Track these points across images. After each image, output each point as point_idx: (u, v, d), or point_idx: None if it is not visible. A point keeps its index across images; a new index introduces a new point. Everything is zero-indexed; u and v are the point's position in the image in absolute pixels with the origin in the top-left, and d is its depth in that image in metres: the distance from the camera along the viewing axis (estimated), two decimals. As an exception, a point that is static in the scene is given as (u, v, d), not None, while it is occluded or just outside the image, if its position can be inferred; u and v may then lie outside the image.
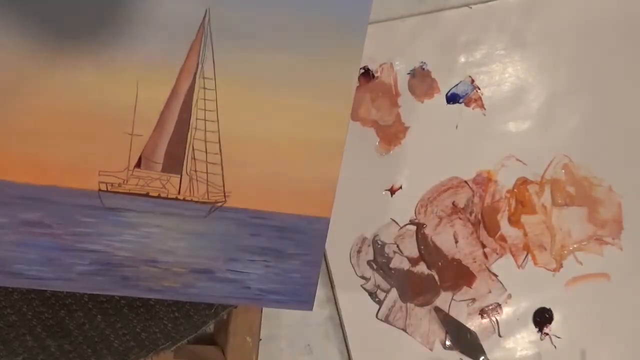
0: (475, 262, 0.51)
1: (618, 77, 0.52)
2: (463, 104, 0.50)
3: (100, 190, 0.38)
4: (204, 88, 0.38)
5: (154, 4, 0.36)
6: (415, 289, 0.50)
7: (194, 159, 0.39)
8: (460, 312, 0.51)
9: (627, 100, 0.52)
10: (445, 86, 0.50)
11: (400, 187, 0.50)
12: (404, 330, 0.50)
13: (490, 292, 0.51)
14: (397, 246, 0.50)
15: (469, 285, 0.51)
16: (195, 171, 0.39)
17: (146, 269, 0.39)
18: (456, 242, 0.51)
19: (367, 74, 0.49)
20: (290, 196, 0.40)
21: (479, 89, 0.50)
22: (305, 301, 0.42)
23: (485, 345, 0.51)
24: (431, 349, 0.51)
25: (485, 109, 0.51)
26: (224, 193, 0.39)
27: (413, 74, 0.50)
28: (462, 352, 0.51)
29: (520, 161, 0.51)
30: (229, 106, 0.38)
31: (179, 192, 0.39)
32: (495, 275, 0.51)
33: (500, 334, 0.51)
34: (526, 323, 0.52)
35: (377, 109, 0.49)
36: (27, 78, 0.36)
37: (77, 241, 0.38)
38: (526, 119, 0.51)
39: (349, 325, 0.50)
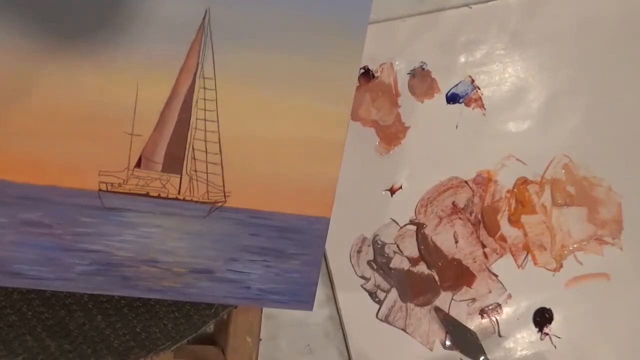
0: (475, 262, 0.51)
1: (618, 77, 0.52)
2: (463, 104, 0.50)
3: (100, 190, 0.38)
4: (204, 88, 0.38)
5: (154, 4, 0.36)
6: (415, 289, 0.50)
7: (194, 159, 0.39)
8: (460, 312, 0.51)
9: (627, 100, 0.52)
10: (445, 86, 0.50)
11: (400, 187, 0.50)
12: (404, 330, 0.50)
13: (490, 292, 0.51)
14: (397, 246, 0.50)
15: (469, 285, 0.51)
16: (195, 171, 0.39)
17: (146, 269, 0.39)
18: (456, 242, 0.51)
19: (367, 74, 0.49)
20: (290, 196, 0.40)
21: (479, 89, 0.50)
22: (305, 301, 0.42)
23: (485, 345, 0.51)
24: (431, 349, 0.51)
25: (485, 109, 0.51)
26: (224, 193, 0.39)
27: (413, 74, 0.50)
28: (462, 352, 0.51)
29: (520, 161, 0.51)
30: (229, 106, 0.38)
31: (179, 192, 0.39)
32: (495, 275, 0.51)
33: (500, 334, 0.51)
34: (526, 323, 0.52)
35: (377, 109, 0.49)
36: (27, 78, 0.36)
37: (77, 241, 0.38)
38: (526, 119, 0.51)
39: (349, 325, 0.50)
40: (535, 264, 0.52)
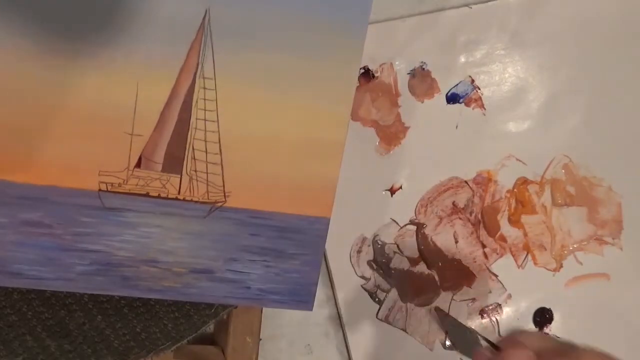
0: (475, 262, 0.51)
1: (618, 77, 0.52)
2: (463, 104, 0.50)
3: (100, 190, 0.38)
4: (204, 88, 0.38)
5: (154, 4, 0.36)
6: (415, 289, 0.50)
7: (194, 159, 0.39)
8: (460, 312, 0.51)
9: (627, 100, 0.52)
10: (445, 86, 0.50)
11: (400, 187, 0.50)
12: (404, 330, 0.50)
13: (490, 292, 0.51)
14: (397, 246, 0.50)
15: (469, 285, 0.51)
16: (195, 171, 0.39)
17: (146, 269, 0.39)
18: (456, 242, 0.51)
19: (367, 74, 0.49)
20: (290, 196, 0.40)
21: (479, 89, 0.50)
22: (305, 301, 0.42)
23: (485, 345, 0.51)
24: (431, 349, 0.51)
25: (485, 109, 0.51)
26: (224, 193, 0.39)
27: (413, 74, 0.50)
28: (462, 352, 0.51)
29: (520, 161, 0.51)
30: (229, 106, 0.38)
31: (179, 192, 0.39)
32: (495, 275, 0.51)
33: (500, 334, 0.51)
34: (526, 323, 0.52)
35: (377, 109, 0.49)
36: (28, 78, 0.36)
37: (77, 241, 0.38)
38: (526, 119, 0.51)
39: (349, 325, 0.50)
40: (535, 264, 0.52)
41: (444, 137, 0.50)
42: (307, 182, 0.40)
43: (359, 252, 0.50)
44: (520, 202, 0.51)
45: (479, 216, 0.51)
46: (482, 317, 0.51)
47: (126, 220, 0.39)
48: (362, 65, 0.49)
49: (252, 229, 0.40)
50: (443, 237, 0.51)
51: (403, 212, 0.50)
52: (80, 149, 0.37)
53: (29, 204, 0.37)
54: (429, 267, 0.51)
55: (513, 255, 0.52)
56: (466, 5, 0.50)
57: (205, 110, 0.38)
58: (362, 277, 0.50)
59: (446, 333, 0.51)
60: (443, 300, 0.51)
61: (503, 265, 0.51)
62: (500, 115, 0.51)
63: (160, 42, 0.37)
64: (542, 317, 0.52)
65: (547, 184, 0.52)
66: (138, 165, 0.38)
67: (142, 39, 0.36)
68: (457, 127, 0.50)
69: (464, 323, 0.51)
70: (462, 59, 0.50)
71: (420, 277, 0.50)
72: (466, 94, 0.50)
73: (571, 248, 0.52)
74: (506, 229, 0.51)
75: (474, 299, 0.51)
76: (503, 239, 0.51)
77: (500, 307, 0.52)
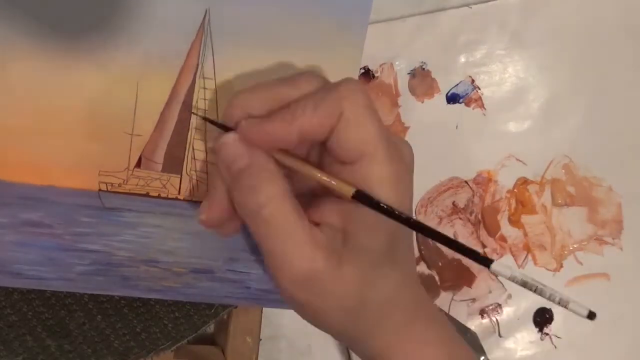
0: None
1: (618, 77, 0.52)
2: (463, 104, 0.50)
3: (100, 190, 0.38)
4: (204, 88, 0.38)
5: (154, 4, 0.36)
6: (415, 289, 0.50)
7: (194, 159, 0.39)
8: (460, 312, 0.51)
9: (627, 101, 0.52)
10: (445, 86, 0.50)
11: (400, 187, 0.50)
12: (404, 330, 0.50)
13: (490, 292, 0.51)
14: (397, 246, 0.50)
15: (469, 285, 0.51)
16: (196, 171, 0.39)
17: (146, 269, 0.39)
18: (456, 242, 0.51)
19: (367, 74, 0.49)
20: (290, 196, 0.40)
21: (479, 89, 0.50)
22: (305, 301, 0.42)
23: (485, 345, 0.51)
24: (431, 349, 0.51)
25: (485, 109, 0.51)
26: (224, 193, 0.39)
27: (413, 74, 0.50)
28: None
29: (520, 161, 0.51)
30: (229, 106, 0.38)
31: (179, 192, 0.39)
32: (496, 275, 0.51)
33: (500, 334, 0.51)
34: (526, 323, 0.52)
35: (377, 109, 0.49)
36: (27, 78, 0.36)
37: (77, 241, 0.38)
38: (526, 119, 0.51)
39: (349, 325, 0.50)
40: (536, 264, 0.52)
41: (444, 137, 0.50)
42: (307, 182, 0.40)
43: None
44: (521, 202, 0.51)
45: (479, 216, 0.51)
46: (482, 317, 0.51)
47: (126, 220, 0.39)
48: (362, 65, 0.49)
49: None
50: (443, 237, 0.51)
51: (403, 212, 0.50)
52: (80, 149, 0.37)
53: (29, 204, 0.37)
54: (429, 267, 0.51)
55: (513, 255, 0.52)
56: (466, 5, 0.50)
57: (205, 110, 0.38)
58: (362, 277, 0.50)
59: (446, 333, 0.51)
60: (443, 300, 0.51)
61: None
62: (500, 115, 0.51)
63: (160, 42, 0.37)
64: (542, 317, 0.52)
65: (547, 184, 0.52)
66: (138, 165, 0.38)
67: (142, 39, 0.37)
68: (457, 127, 0.50)
69: (464, 323, 0.51)
70: (462, 59, 0.50)
71: (420, 277, 0.50)
72: (466, 94, 0.50)
73: (571, 248, 0.52)
74: (506, 229, 0.51)
75: (474, 299, 0.51)
76: (503, 239, 0.51)
77: (500, 307, 0.52)
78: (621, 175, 0.52)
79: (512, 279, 0.29)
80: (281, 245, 0.31)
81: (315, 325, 0.34)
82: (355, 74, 0.40)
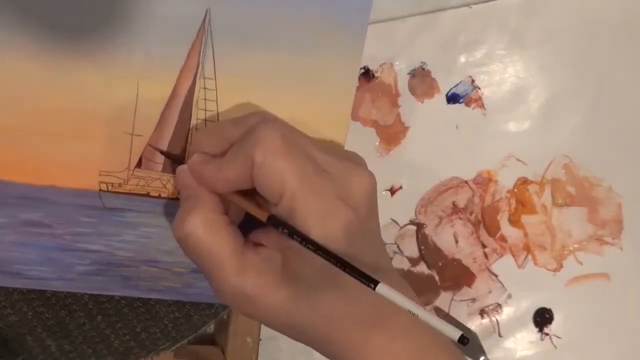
0: (475, 262, 0.51)
1: (618, 77, 0.52)
2: (463, 104, 0.50)
3: (100, 190, 0.38)
4: (205, 88, 0.38)
5: (154, 4, 0.36)
6: (415, 289, 0.50)
7: (194, 159, 0.39)
8: (460, 312, 0.51)
9: (627, 100, 0.52)
10: (445, 86, 0.50)
11: (400, 187, 0.50)
12: (404, 330, 0.50)
13: (490, 292, 0.51)
14: (397, 246, 0.50)
15: (469, 285, 0.51)
16: (196, 171, 0.39)
17: (146, 269, 0.39)
18: (456, 242, 0.51)
19: (367, 74, 0.49)
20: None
21: (479, 89, 0.50)
22: (305, 301, 0.42)
23: (485, 345, 0.51)
24: (431, 349, 0.51)
25: (485, 109, 0.51)
26: (224, 193, 0.39)
27: (413, 74, 0.50)
28: (462, 352, 0.51)
29: (520, 161, 0.51)
30: (229, 106, 0.38)
31: (179, 192, 0.39)
32: (495, 275, 0.51)
33: (500, 334, 0.51)
34: (526, 323, 0.52)
35: (377, 109, 0.49)
36: (28, 78, 0.36)
37: (77, 241, 0.38)
38: (526, 119, 0.51)
39: (349, 325, 0.50)
40: (536, 264, 0.52)
41: (444, 137, 0.50)
42: (307, 182, 0.40)
43: (359, 252, 0.50)
44: (521, 202, 0.51)
45: (479, 216, 0.51)
46: (482, 317, 0.51)
47: (126, 220, 0.39)
48: (362, 65, 0.49)
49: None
50: (443, 237, 0.51)
51: (403, 213, 0.50)
52: (80, 149, 0.37)
53: (29, 204, 0.37)
54: (429, 267, 0.51)
55: (513, 255, 0.52)
56: (466, 5, 0.50)
57: (205, 110, 0.38)
58: (362, 277, 0.50)
59: (446, 333, 0.51)
60: (443, 300, 0.51)
61: (503, 265, 0.51)
62: (500, 115, 0.51)
63: (160, 42, 0.37)
64: (542, 317, 0.52)
65: (547, 184, 0.52)
66: (138, 165, 0.38)
67: (143, 39, 0.37)
68: (457, 127, 0.50)
69: (464, 323, 0.51)
70: (462, 59, 0.50)
71: (420, 277, 0.50)
72: (466, 94, 0.50)
73: (571, 248, 0.52)
74: (506, 229, 0.51)
75: (474, 299, 0.51)
76: (503, 239, 0.51)
77: (500, 307, 0.52)
78: (621, 175, 0.52)
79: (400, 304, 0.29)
80: (209, 270, 0.34)
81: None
82: (355, 74, 0.40)
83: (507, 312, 0.52)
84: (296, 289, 0.33)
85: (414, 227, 0.50)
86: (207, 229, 0.34)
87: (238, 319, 0.47)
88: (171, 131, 0.38)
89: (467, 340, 0.27)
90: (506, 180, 0.51)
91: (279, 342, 0.50)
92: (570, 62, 0.51)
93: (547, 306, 0.52)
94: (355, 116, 0.49)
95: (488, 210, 0.51)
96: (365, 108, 0.49)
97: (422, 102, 0.50)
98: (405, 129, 0.50)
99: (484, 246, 0.51)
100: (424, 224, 0.50)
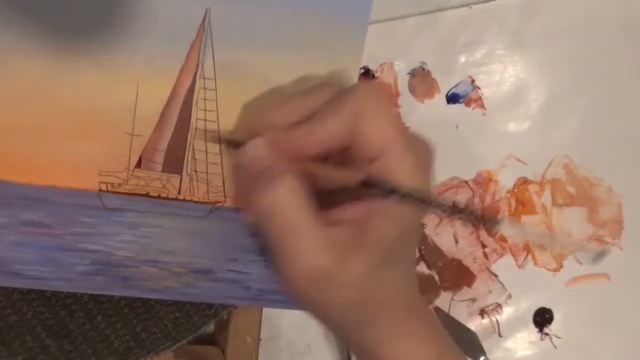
0: (475, 262, 0.51)
1: (618, 77, 0.52)
2: (463, 104, 0.50)
3: (100, 190, 0.38)
4: (204, 88, 0.38)
5: (154, 4, 0.36)
6: (415, 289, 0.50)
7: (194, 159, 0.39)
8: (460, 312, 0.51)
9: (627, 101, 0.52)
10: (445, 86, 0.50)
11: (400, 187, 0.50)
12: (404, 330, 0.50)
13: (490, 292, 0.51)
14: (397, 246, 0.50)
15: (469, 285, 0.51)
16: (196, 171, 0.39)
17: (146, 269, 0.39)
18: (456, 242, 0.51)
19: (367, 74, 0.49)
20: (290, 196, 0.40)
21: (479, 89, 0.50)
22: (305, 301, 0.42)
23: (485, 345, 0.51)
24: (431, 349, 0.51)
25: (485, 109, 0.51)
26: (224, 193, 0.39)
27: (413, 74, 0.50)
28: (462, 352, 0.51)
29: (520, 161, 0.51)
30: (229, 106, 0.38)
31: (179, 192, 0.39)
32: (495, 275, 0.51)
33: (500, 334, 0.51)
34: (526, 323, 0.52)
35: (377, 109, 0.49)
36: (28, 78, 0.36)
37: (77, 241, 0.38)
38: (526, 119, 0.51)
39: (349, 325, 0.50)
40: (536, 264, 0.52)
41: (444, 137, 0.50)
42: (307, 182, 0.40)
43: (359, 252, 0.50)
44: (521, 202, 0.51)
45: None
46: (482, 317, 0.51)
47: (126, 220, 0.39)
48: (362, 65, 0.49)
49: (252, 229, 0.40)
50: (443, 237, 0.51)
51: (403, 212, 0.50)
52: (80, 149, 0.37)
53: (29, 204, 0.38)
54: (429, 267, 0.51)
55: (513, 255, 0.52)
56: (466, 5, 0.50)
57: (205, 110, 0.38)
58: (362, 277, 0.50)
59: (446, 333, 0.51)
60: (443, 300, 0.51)
61: (503, 265, 0.51)
62: (500, 115, 0.51)
63: (160, 42, 0.37)
64: (542, 317, 0.52)
65: (547, 184, 0.52)
66: (138, 165, 0.38)
67: (143, 39, 0.37)
68: (457, 127, 0.50)
69: (464, 323, 0.51)
70: (462, 59, 0.50)
71: (420, 277, 0.50)
72: (466, 94, 0.50)
73: (571, 248, 0.52)
74: (506, 229, 0.51)
75: (474, 299, 0.51)
76: (503, 239, 0.51)
77: (500, 307, 0.52)
78: (621, 175, 0.52)
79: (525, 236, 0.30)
80: (291, 243, 0.33)
81: (316, 318, 0.36)
82: (355, 74, 0.40)
83: (507, 312, 0.52)
84: (371, 265, 0.33)
85: (414, 227, 0.50)
86: (293, 196, 0.33)
87: (238, 319, 0.47)
88: (171, 131, 0.38)
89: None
90: (506, 180, 0.51)
91: (279, 342, 0.50)
92: (570, 62, 0.51)
93: (547, 306, 0.52)
94: (355, 116, 0.49)
95: (488, 210, 0.51)
96: (365, 108, 0.49)
97: (422, 102, 0.50)
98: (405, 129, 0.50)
99: (484, 246, 0.51)
100: (424, 224, 0.50)
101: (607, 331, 0.52)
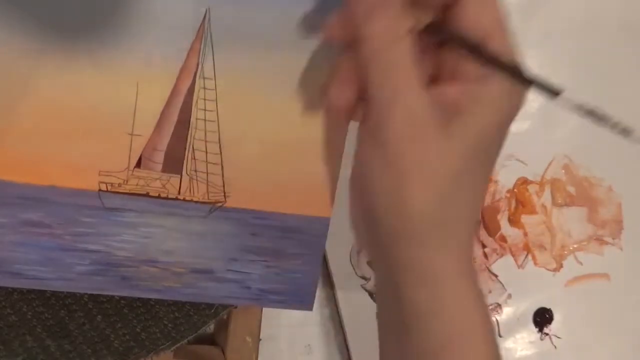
0: (475, 262, 0.51)
1: (618, 77, 0.52)
2: (463, 104, 0.50)
3: (100, 190, 0.38)
4: (204, 88, 0.38)
5: (154, 3, 0.36)
6: (415, 289, 0.50)
7: (194, 159, 0.39)
8: (460, 312, 0.51)
9: (627, 100, 0.52)
10: (445, 86, 0.50)
11: (400, 187, 0.50)
12: (404, 330, 0.50)
13: (490, 292, 0.51)
14: (397, 246, 0.50)
15: (469, 285, 0.51)
16: (195, 171, 0.39)
17: (146, 269, 0.39)
18: (456, 242, 0.51)
19: (367, 74, 0.49)
20: (290, 196, 0.40)
21: (479, 89, 0.50)
22: (305, 301, 0.42)
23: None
24: (431, 349, 0.51)
25: (485, 109, 0.51)
26: (224, 193, 0.39)
27: (413, 74, 0.50)
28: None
29: (520, 161, 0.51)
30: (229, 106, 0.38)
31: (179, 192, 0.39)
32: (495, 275, 0.51)
33: (500, 334, 0.51)
34: (526, 323, 0.52)
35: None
36: (27, 78, 0.36)
37: (77, 241, 0.38)
38: (526, 119, 0.51)
39: (349, 325, 0.50)
40: (536, 264, 0.52)
41: (444, 137, 0.50)
42: (307, 182, 0.40)
43: (359, 252, 0.50)
44: (521, 202, 0.51)
45: (479, 216, 0.51)
46: (482, 317, 0.51)
47: (126, 220, 0.39)
48: (362, 65, 0.49)
49: (252, 229, 0.40)
50: (443, 237, 0.51)
51: (403, 212, 0.50)
52: (80, 149, 0.37)
53: (29, 204, 0.37)
54: (429, 267, 0.50)
55: (513, 255, 0.52)
56: (466, 5, 0.50)
57: (205, 110, 0.38)
58: (362, 277, 0.50)
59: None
60: (443, 300, 0.51)
61: (503, 265, 0.51)
62: (500, 115, 0.51)
63: (160, 42, 0.37)
64: (542, 317, 0.52)
65: (547, 184, 0.52)
66: (138, 165, 0.38)
67: (142, 39, 0.36)
68: (457, 127, 0.50)
69: (464, 323, 0.51)
70: (462, 59, 0.50)
71: (420, 277, 0.50)
72: (466, 94, 0.50)
73: (571, 248, 0.52)
74: (506, 229, 0.51)
75: (474, 299, 0.51)
76: (503, 239, 0.51)
77: (500, 307, 0.52)
78: (621, 175, 0.52)
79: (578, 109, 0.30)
80: (396, 82, 0.30)
81: (366, 199, 0.33)
82: (356, 74, 0.40)
83: (507, 312, 0.52)
84: (467, 147, 0.30)
85: (414, 227, 0.50)
86: (409, 49, 0.30)
87: (238, 319, 0.47)
88: (171, 131, 0.38)
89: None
90: (506, 180, 0.51)
91: (279, 342, 0.50)
92: (570, 62, 0.51)
93: (547, 306, 0.52)
94: (355, 116, 0.49)
95: (488, 210, 0.51)
96: (365, 108, 0.49)
97: (422, 102, 0.50)
98: (405, 129, 0.50)
99: (483, 246, 0.51)
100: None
101: (607, 331, 0.52)
